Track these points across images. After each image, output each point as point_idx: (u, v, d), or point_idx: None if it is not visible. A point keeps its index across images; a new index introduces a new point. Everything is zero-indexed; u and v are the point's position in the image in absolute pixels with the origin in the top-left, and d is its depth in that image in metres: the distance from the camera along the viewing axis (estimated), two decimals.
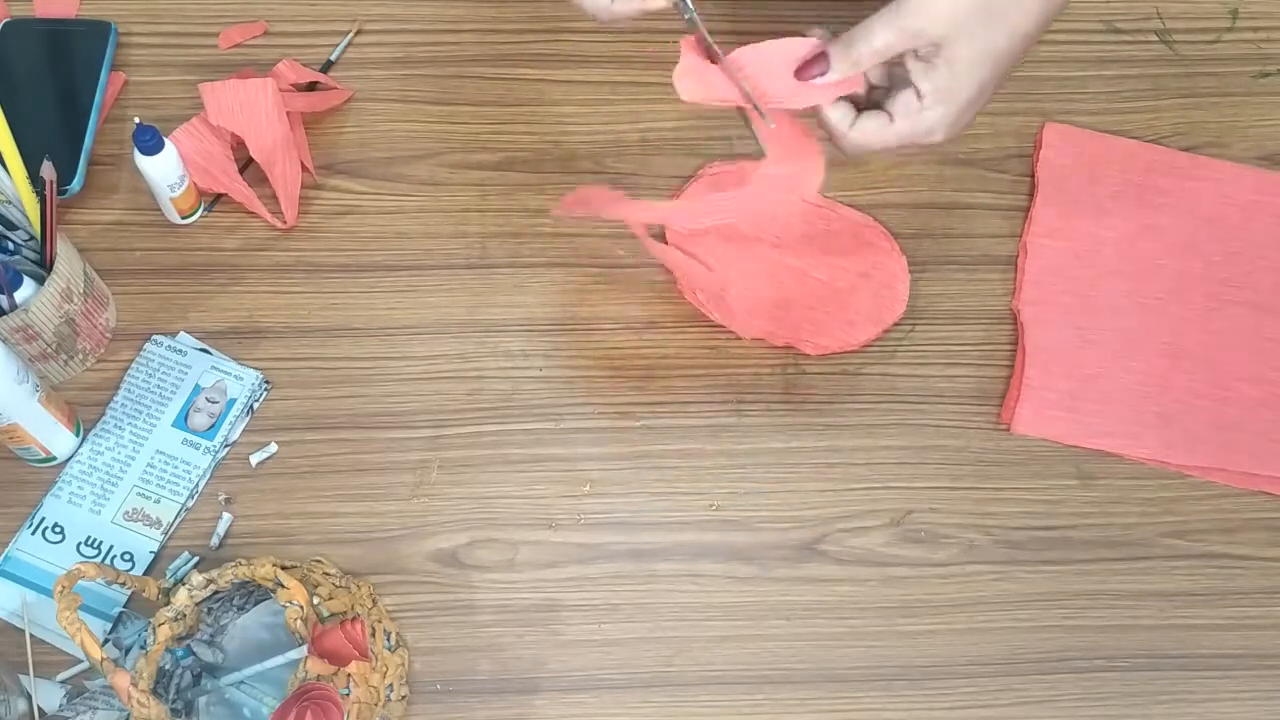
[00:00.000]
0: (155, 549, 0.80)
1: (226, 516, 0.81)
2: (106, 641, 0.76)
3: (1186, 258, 0.91)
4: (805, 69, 0.67)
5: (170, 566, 0.78)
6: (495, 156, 0.94)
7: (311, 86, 0.95)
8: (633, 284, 0.90)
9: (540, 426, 0.85)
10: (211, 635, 0.75)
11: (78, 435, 0.83)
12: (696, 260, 0.86)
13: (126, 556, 0.80)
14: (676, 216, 0.88)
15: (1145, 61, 0.99)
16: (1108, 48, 0.99)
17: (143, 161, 0.85)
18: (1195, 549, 0.83)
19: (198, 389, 0.84)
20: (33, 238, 0.81)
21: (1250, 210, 0.93)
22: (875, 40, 0.64)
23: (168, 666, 0.72)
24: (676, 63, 0.97)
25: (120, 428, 0.83)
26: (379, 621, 0.76)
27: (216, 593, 0.72)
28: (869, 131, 0.67)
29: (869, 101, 0.68)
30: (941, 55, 0.64)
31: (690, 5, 0.68)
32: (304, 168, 0.91)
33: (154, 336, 0.86)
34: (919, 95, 0.65)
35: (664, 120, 0.95)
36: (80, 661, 0.77)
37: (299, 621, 0.69)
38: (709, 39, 0.68)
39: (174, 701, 0.72)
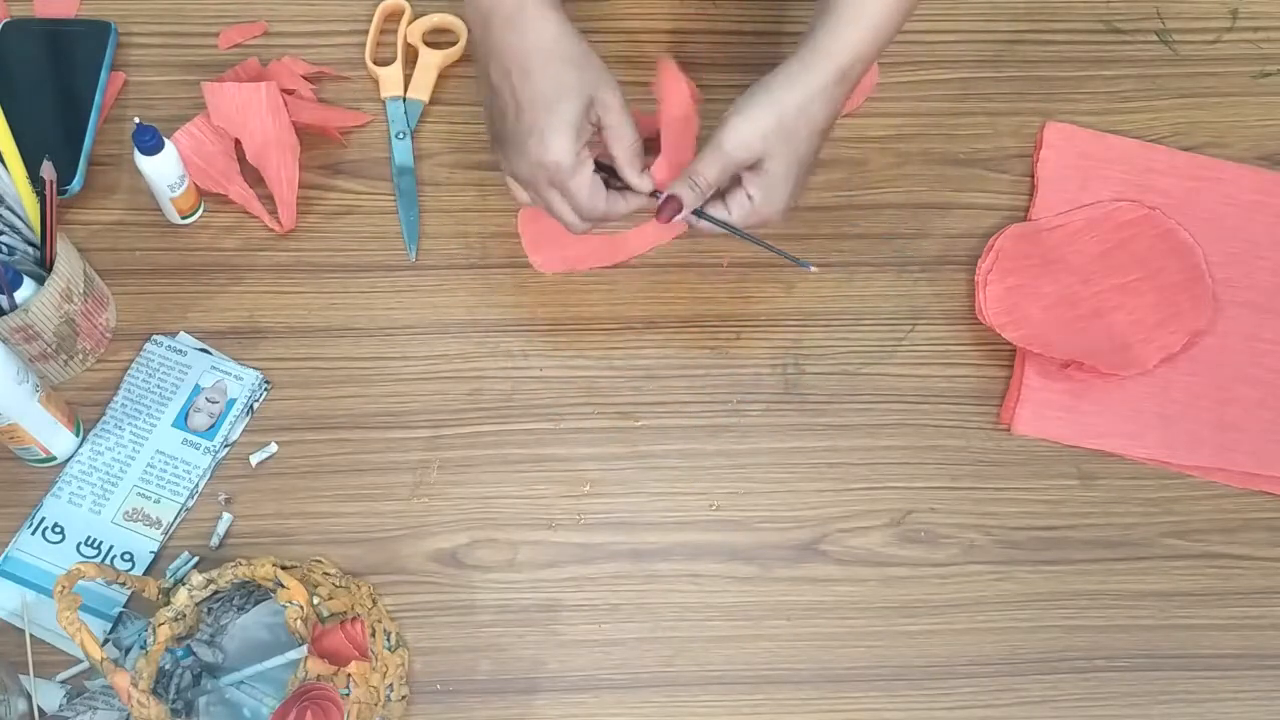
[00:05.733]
0: (155, 549, 0.80)
1: (226, 516, 0.81)
2: (106, 641, 0.76)
3: None
4: (664, 213, 0.78)
5: (170, 566, 0.78)
6: (495, 156, 0.94)
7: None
8: (633, 284, 0.90)
9: (540, 426, 0.85)
10: (211, 635, 0.75)
11: (78, 435, 0.83)
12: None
13: (126, 556, 0.80)
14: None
15: (1145, 61, 0.99)
16: (1108, 48, 0.99)
17: (143, 161, 0.85)
18: (1195, 549, 0.83)
19: (198, 389, 0.84)
20: (33, 238, 0.81)
21: (1250, 210, 0.93)
22: (709, 175, 0.77)
23: (168, 666, 0.72)
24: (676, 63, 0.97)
25: (120, 428, 0.83)
26: (379, 621, 0.76)
27: (216, 593, 0.72)
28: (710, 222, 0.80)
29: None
30: (761, 168, 0.77)
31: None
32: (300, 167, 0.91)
33: (154, 336, 0.86)
34: (750, 197, 0.78)
35: None
36: (80, 661, 0.77)
37: (299, 621, 0.69)
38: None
39: (174, 701, 0.72)
